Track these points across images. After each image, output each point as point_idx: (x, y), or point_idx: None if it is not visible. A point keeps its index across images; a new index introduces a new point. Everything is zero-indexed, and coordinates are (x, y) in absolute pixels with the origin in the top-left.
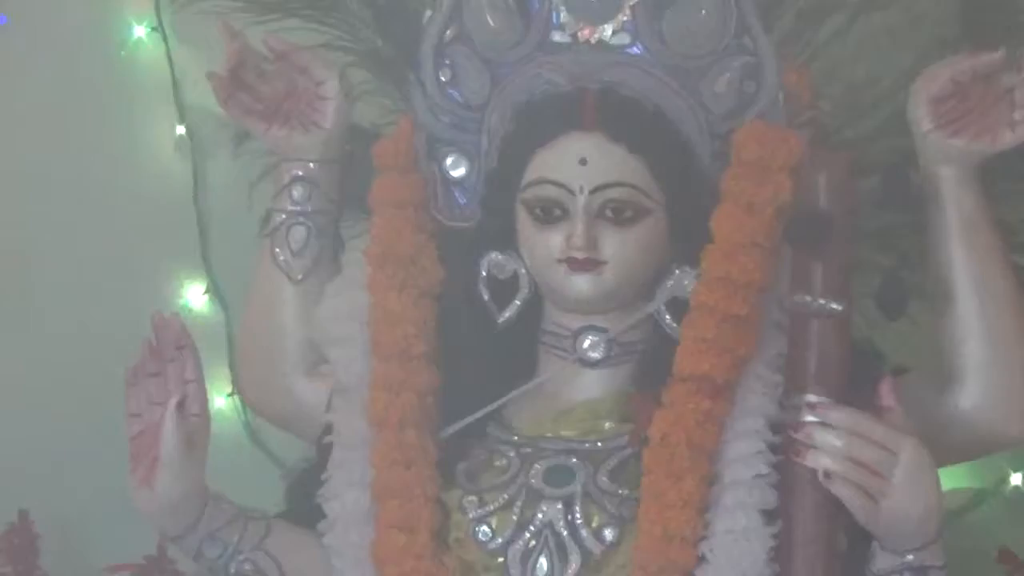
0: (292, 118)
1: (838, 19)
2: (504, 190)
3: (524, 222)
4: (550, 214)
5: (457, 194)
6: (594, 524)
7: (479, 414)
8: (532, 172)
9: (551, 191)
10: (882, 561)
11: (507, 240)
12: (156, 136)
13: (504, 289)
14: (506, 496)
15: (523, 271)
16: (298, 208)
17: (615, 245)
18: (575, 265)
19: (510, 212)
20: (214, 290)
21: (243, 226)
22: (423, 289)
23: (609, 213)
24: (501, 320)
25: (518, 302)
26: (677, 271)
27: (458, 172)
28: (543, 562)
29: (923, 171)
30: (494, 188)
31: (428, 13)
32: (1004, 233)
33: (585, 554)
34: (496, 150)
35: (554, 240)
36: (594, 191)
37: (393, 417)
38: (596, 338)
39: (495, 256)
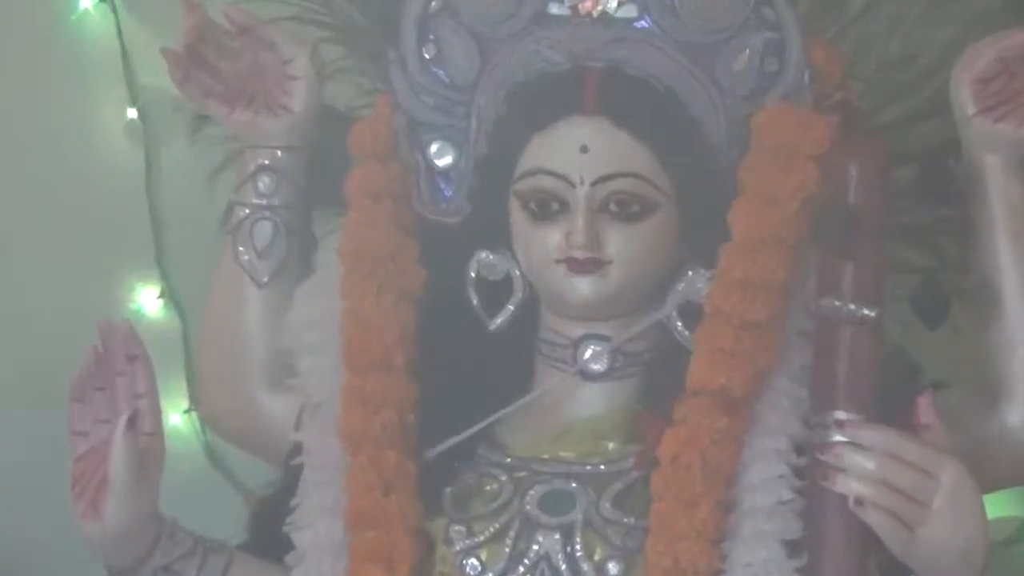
0: (257, 100)
1: None
2: (495, 181)
3: (518, 217)
4: (547, 208)
5: (442, 185)
6: (596, 557)
7: (468, 433)
8: (527, 161)
9: (548, 182)
10: None
11: (499, 237)
12: (104, 120)
13: (496, 292)
14: (497, 525)
15: (517, 272)
16: (264, 201)
17: (620, 243)
18: (575, 266)
19: (502, 206)
20: (169, 294)
21: (202, 221)
22: (403, 292)
23: (613, 207)
24: (492, 327)
25: (511, 307)
26: (689, 272)
27: (444, 161)
28: None
29: (966, 159)
30: (484, 179)
31: None
32: None
33: None
34: (486, 136)
35: (552, 238)
36: (596, 183)
37: (370, 436)
38: (599, 348)
39: (485, 255)
